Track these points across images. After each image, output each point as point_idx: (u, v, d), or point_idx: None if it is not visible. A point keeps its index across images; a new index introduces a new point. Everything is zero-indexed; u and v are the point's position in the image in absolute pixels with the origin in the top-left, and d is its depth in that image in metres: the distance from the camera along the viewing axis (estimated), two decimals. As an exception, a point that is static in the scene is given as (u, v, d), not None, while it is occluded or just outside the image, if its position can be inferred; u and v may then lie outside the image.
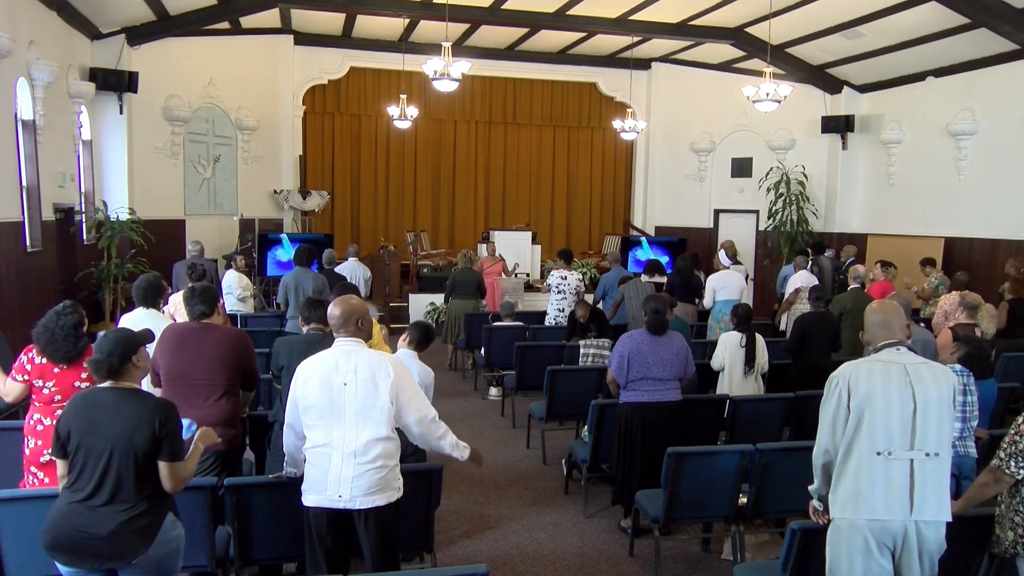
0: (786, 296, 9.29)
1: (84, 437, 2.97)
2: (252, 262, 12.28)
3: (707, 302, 8.99)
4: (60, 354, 3.82)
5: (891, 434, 3.00)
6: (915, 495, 2.99)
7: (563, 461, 6.51)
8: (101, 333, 3.24)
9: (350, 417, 3.30)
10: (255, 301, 11.41)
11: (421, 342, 4.97)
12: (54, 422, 3.76)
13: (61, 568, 3.04)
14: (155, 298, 5.08)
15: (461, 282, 9.83)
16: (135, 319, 5.02)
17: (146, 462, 2.99)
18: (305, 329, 4.69)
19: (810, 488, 3.31)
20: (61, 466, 3.08)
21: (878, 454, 3.00)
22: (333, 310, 3.47)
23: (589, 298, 9.27)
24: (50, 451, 3.09)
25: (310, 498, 3.37)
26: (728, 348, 6.21)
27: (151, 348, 4.84)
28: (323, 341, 4.30)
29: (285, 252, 12.09)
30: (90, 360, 3.09)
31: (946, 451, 3.06)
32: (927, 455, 3.01)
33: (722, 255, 10.08)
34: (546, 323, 9.33)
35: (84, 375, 3.85)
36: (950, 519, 3.07)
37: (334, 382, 3.32)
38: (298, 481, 3.48)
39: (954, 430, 3.47)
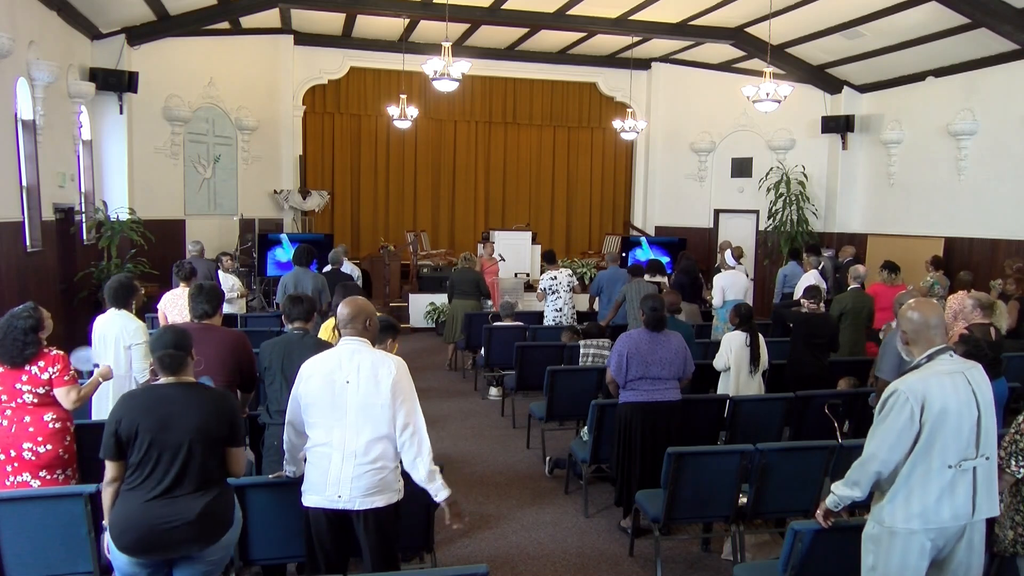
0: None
1: (157, 434, 3.00)
2: (252, 262, 12.29)
3: (716, 301, 9.05)
4: (7, 357, 3.84)
5: (961, 446, 3.00)
6: (976, 499, 3.02)
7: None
8: (153, 332, 3.26)
9: (351, 416, 3.30)
10: (252, 301, 11.43)
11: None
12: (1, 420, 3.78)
13: (118, 560, 3.05)
14: (126, 299, 5.06)
15: (458, 281, 9.89)
16: (107, 320, 5.01)
17: (220, 448, 3.10)
18: (288, 327, 4.66)
19: (840, 491, 3.15)
20: (113, 468, 3.07)
21: (949, 467, 2.99)
22: (342, 309, 3.47)
23: (586, 296, 9.28)
24: (101, 454, 3.07)
25: (310, 498, 3.37)
26: (733, 349, 6.19)
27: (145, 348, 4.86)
28: (303, 340, 4.31)
29: (285, 252, 12.08)
30: (159, 356, 3.13)
31: (995, 451, 3.11)
32: (986, 458, 3.05)
33: (728, 256, 10.08)
34: (544, 325, 9.32)
35: (25, 378, 3.86)
36: (998, 514, 3.13)
37: (336, 380, 3.32)
38: (298, 481, 3.49)
39: None
